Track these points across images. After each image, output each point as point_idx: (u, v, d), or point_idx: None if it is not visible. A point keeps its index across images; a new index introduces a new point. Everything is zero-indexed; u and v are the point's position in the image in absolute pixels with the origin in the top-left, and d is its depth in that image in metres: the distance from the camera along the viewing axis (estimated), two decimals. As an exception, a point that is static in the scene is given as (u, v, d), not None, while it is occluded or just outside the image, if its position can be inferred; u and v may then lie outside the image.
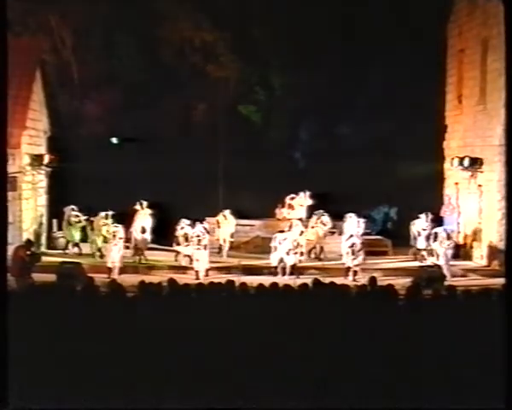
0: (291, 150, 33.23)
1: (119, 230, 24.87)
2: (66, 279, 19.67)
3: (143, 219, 27.02)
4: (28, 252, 21.02)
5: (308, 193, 29.03)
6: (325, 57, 31.15)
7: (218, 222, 27.43)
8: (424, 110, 29.12)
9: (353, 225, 27.16)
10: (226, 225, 27.37)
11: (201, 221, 25.82)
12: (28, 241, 22.30)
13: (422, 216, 26.66)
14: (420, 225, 26.69)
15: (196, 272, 23.98)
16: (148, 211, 27.32)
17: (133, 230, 26.42)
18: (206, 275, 23.81)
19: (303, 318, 11.47)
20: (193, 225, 25.56)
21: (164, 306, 12.11)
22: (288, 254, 24.46)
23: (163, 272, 24.05)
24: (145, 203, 27.37)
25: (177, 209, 26.82)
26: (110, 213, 26.34)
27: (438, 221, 27.16)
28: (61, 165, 27.91)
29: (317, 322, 11.33)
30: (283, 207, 29.16)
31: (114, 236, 24.61)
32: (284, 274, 24.09)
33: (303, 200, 29.19)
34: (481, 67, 26.75)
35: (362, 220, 27.53)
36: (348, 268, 24.07)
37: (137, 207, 27.32)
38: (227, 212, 27.50)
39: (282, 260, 24.52)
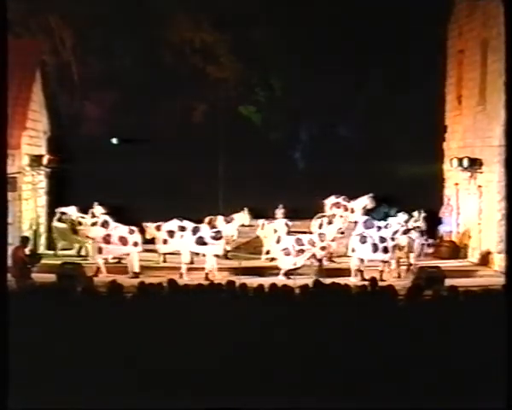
0: (291, 151, 33.24)
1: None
2: (66, 280, 19.63)
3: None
4: (26, 250, 21.03)
5: (371, 195, 27.90)
6: (325, 58, 31.16)
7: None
8: (424, 111, 29.14)
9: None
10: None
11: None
12: (25, 238, 22.26)
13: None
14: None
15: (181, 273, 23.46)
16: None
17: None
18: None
19: (303, 318, 11.48)
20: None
21: (164, 306, 12.12)
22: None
23: (162, 272, 24.06)
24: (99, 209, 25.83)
25: (177, 210, 26.74)
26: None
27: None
28: (61, 165, 27.90)
29: (316, 323, 11.34)
30: (284, 208, 28.78)
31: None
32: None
33: (364, 202, 27.92)
34: (481, 68, 26.75)
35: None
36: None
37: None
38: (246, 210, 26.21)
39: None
